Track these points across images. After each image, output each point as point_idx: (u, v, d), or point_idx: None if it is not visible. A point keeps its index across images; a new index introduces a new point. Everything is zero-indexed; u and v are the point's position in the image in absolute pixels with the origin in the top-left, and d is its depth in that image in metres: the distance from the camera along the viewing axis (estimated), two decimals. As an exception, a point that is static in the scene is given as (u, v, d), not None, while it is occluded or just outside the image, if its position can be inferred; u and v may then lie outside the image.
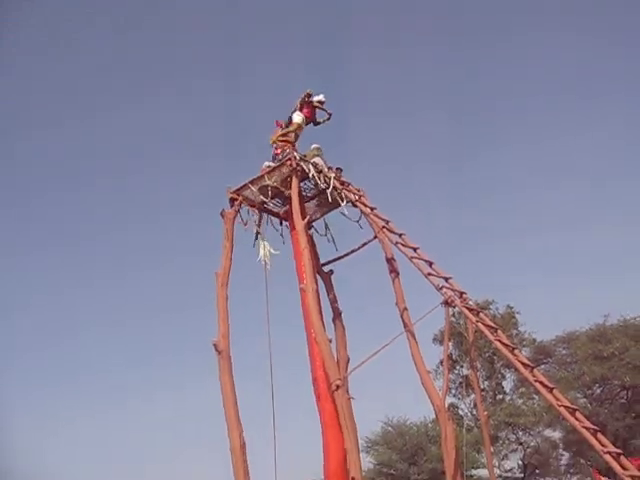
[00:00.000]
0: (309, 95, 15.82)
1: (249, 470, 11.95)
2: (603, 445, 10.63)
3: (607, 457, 10.46)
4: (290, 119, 15.64)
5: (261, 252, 14.43)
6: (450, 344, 33.30)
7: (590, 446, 10.90)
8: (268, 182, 14.75)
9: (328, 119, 16.22)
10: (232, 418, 12.09)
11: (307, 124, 15.91)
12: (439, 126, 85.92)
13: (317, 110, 16.10)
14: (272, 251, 14.51)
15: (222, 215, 14.67)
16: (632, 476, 10.42)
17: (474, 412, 33.29)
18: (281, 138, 15.31)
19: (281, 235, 15.44)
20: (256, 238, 14.78)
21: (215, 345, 12.78)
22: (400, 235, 13.64)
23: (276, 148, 15.39)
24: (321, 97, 15.95)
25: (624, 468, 10.46)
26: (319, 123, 16.23)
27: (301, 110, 15.72)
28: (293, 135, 15.38)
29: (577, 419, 10.80)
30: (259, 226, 15.09)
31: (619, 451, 10.76)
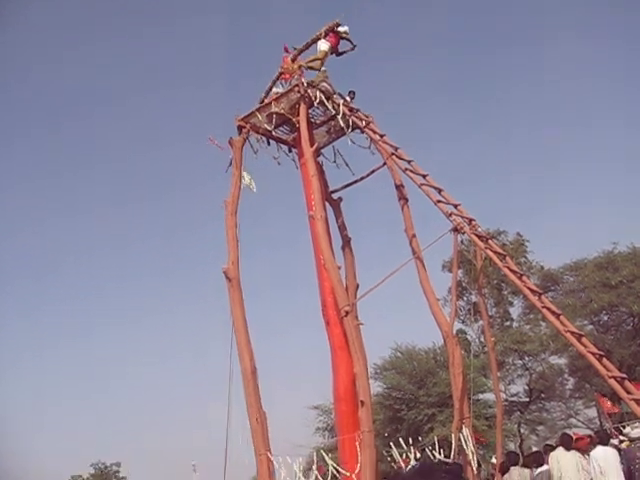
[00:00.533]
0: (338, 25, 15.39)
1: (260, 395, 12.16)
2: (608, 370, 10.75)
3: (611, 381, 10.59)
4: (307, 45, 15.31)
5: (246, 181, 14.29)
6: (459, 271, 33.50)
7: (595, 371, 11.03)
8: (276, 109, 14.60)
9: (352, 49, 15.83)
10: (243, 344, 12.25)
11: (331, 54, 15.59)
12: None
13: (341, 41, 15.72)
14: (252, 184, 14.36)
15: (230, 143, 14.57)
16: (636, 400, 10.58)
17: (482, 338, 33.70)
18: (310, 64, 15.06)
19: (293, 161, 15.38)
20: (229, 165, 14.55)
21: (225, 272, 12.87)
22: (409, 162, 13.56)
23: (284, 74, 15.19)
24: (346, 28, 15.54)
25: (628, 392, 10.61)
26: (342, 53, 15.85)
27: (326, 38, 15.35)
28: (320, 63, 15.10)
29: (583, 344, 10.90)
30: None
31: (624, 376, 10.90)
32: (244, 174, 14.32)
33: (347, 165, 15.58)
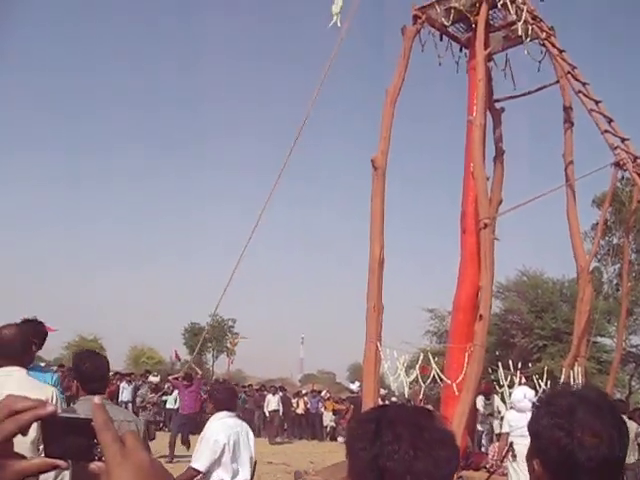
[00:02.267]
0: None
1: (383, 286, 12.37)
2: None
3: None
4: None
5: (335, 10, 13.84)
6: (609, 209, 32.11)
7: None
8: (456, 4, 14.02)
9: None
10: (377, 232, 12.35)
11: None
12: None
13: None
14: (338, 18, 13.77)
15: (402, 32, 14.21)
16: None
17: (616, 282, 32.45)
18: None
19: (456, 63, 14.89)
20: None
21: (373, 161, 12.85)
22: (584, 84, 12.83)
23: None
24: None
25: None
26: None
27: None
28: None
29: None
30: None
31: None
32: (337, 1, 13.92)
33: (512, 79, 14.91)
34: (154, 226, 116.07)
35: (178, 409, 19.89)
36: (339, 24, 14.01)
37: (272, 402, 21.74)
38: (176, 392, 21.16)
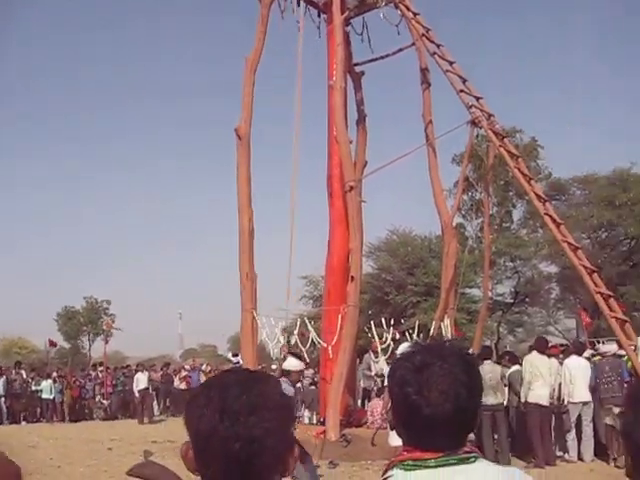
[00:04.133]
0: None
1: (254, 256, 12.36)
2: (596, 285, 10.88)
3: (597, 297, 10.75)
4: None
5: None
6: (469, 166, 33.32)
7: (583, 284, 11.17)
8: (311, -31, 14.01)
9: None
10: (244, 202, 12.30)
11: None
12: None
13: None
14: None
15: (259, -2, 14.05)
16: (616, 318, 10.78)
17: (479, 235, 33.82)
18: None
19: (318, 28, 14.89)
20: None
21: (237, 130, 12.72)
22: (439, 46, 13.15)
23: None
24: None
25: (611, 309, 10.79)
26: None
27: None
28: None
29: (577, 257, 10.99)
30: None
31: (610, 293, 11.05)
32: None
33: (369, 42, 15.06)
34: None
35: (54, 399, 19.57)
36: None
37: (141, 381, 21.23)
38: (50, 381, 20.57)
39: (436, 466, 1.57)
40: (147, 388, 21.08)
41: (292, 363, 8.81)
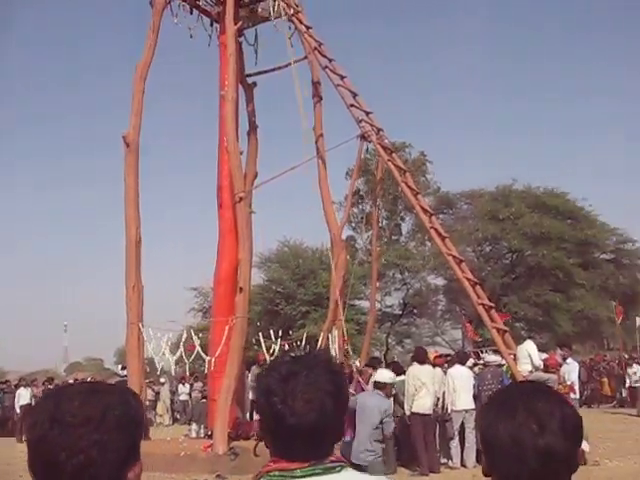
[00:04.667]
0: None
1: (141, 265, 12.12)
2: (479, 297, 11.27)
3: (480, 308, 11.14)
4: None
5: None
6: (360, 180, 33.82)
7: (467, 296, 11.53)
8: (205, -22, 13.92)
9: None
10: (131, 212, 12.05)
11: None
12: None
13: None
14: None
15: (151, 4, 13.83)
16: (497, 328, 11.20)
17: (369, 247, 34.38)
18: None
19: (209, 36, 14.78)
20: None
21: (124, 137, 12.45)
22: (330, 60, 13.34)
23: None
24: None
25: (492, 320, 11.19)
26: None
27: None
28: None
29: (461, 269, 11.34)
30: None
31: (492, 305, 11.47)
32: None
33: (256, 53, 15.09)
34: None
35: None
36: None
37: (23, 396, 20.29)
38: None
39: (302, 476, 1.58)
40: (30, 404, 20.18)
41: (384, 375, 8.60)
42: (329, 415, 1.60)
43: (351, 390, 9.39)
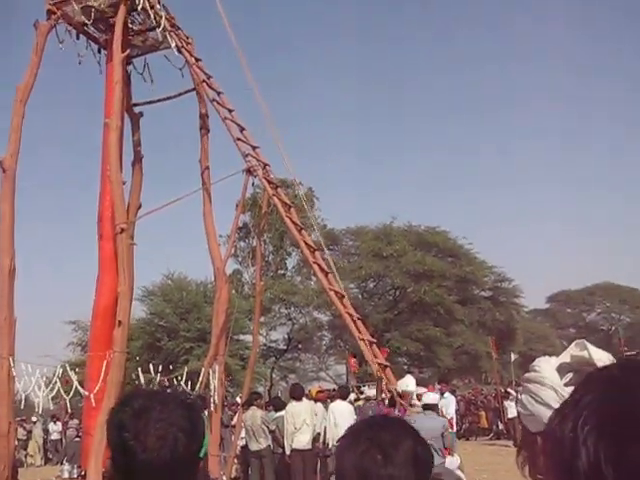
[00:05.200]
0: None
1: (14, 296, 11.63)
2: (360, 332, 11.41)
3: (361, 343, 11.27)
4: None
5: None
6: (248, 214, 33.82)
7: (349, 331, 11.66)
8: (94, 3, 13.66)
9: None
10: (6, 241, 11.55)
11: None
12: None
13: None
14: None
15: (35, 27, 13.47)
16: (379, 363, 11.37)
17: (254, 282, 34.36)
18: None
19: (98, 63, 14.50)
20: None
21: (1, 163, 11.98)
22: (219, 93, 13.35)
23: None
24: None
25: (374, 355, 11.35)
26: None
27: None
28: None
29: (343, 305, 11.46)
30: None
31: (373, 340, 11.64)
32: None
33: (151, 81, 14.93)
34: None
35: None
36: None
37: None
38: None
39: None
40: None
41: (431, 397, 8.44)
42: (182, 452, 1.57)
43: (397, 412, 9.41)
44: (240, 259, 35.91)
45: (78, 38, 14.29)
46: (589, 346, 1.31)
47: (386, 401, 11.78)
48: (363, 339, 11.27)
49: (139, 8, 13.72)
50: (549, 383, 1.30)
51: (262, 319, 31.45)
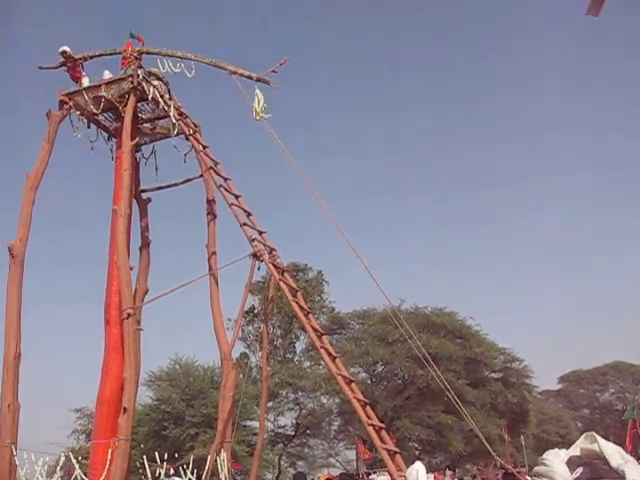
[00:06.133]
0: None
1: (19, 381, 11.57)
2: (369, 418, 11.21)
3: (370, 429, 11.05)
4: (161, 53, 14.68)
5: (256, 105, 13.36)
6: (257, 298, 33.78)
7: (358, 417, 11.47)
8: (104, 93, 14.07)
9: None
10: (12, 326, 11.59)
11: None
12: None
13: None
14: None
15: (48, 116, 13.87)
16: (387, 449, 11.12)
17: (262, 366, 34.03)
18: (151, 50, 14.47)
19: (110, 151, 14.81)
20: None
21: (10, 248, 12.12)
22: (226, 180, 13.55)
23: (124, 59, 14.66)
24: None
25: (382, 441, 11.12)
26: None
27: None
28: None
29: (351, 390, 11.30)
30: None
31: (382, 425, 11.42)
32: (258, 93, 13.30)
33: (156, 170, 15.23)
34: None
35: None
36: None
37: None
38: None
39: None
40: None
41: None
42: None
43: None
44: (248, 343, 35.66)
45: (89, 127, 14.66)
46: (599, 439, 1.29)
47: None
48: (372, 424, 11.07)
49: (149, 97, 14.09)
50: (559, 478, 1.27)
51: (270, 404, 31.02)
